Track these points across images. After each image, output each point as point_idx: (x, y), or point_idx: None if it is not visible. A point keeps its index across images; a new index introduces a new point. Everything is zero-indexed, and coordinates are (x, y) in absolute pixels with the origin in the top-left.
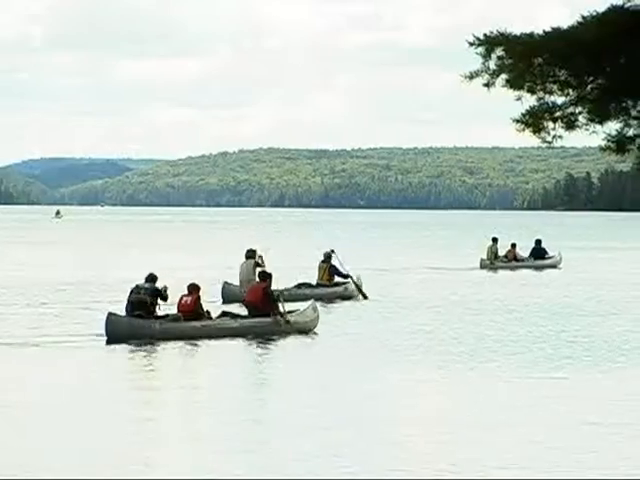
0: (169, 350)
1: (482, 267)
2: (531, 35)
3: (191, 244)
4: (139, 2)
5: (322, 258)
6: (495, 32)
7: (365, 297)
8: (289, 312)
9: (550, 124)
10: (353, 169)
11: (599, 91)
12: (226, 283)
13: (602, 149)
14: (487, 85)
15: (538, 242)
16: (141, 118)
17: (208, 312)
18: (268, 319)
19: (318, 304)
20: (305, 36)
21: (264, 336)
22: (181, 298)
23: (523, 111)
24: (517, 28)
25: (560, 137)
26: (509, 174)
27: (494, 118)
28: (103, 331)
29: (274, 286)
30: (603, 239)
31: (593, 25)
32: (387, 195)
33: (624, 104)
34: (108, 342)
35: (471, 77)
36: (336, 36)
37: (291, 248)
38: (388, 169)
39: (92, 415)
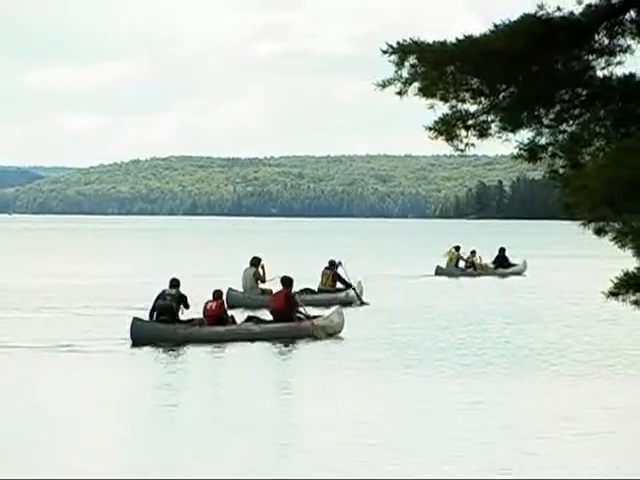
0: (193, 354)
1: (437, 274)
2: (444, 43)
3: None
4: (50, 9)
5: (327, 265)
6: (408, 40)
7: (363, 303)
8: (313, 317)
9: (463, 132)
10: (266, 177)
11: (511, 99)
12: (230, 289)
13: (514, 157)
14: (400, 93)
15: (502, 250)
16: (52, 126)
17: (232, 317)
18: (291, 324)
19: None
20: (218, 44)
21: (287, 340)
22: (206, 303)
23: (436, 119)
24: (430, 36)
25: (473, 145)
26: (421, 182)
27: (407, 126)
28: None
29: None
30: (527, 247)
31: (505, 33)
32: (300, 203)
33: (536, 112)
34: (133, 346)
35: (384, 85)
36: (249, 44)
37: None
38: (301, 177)
39: (113, 419)
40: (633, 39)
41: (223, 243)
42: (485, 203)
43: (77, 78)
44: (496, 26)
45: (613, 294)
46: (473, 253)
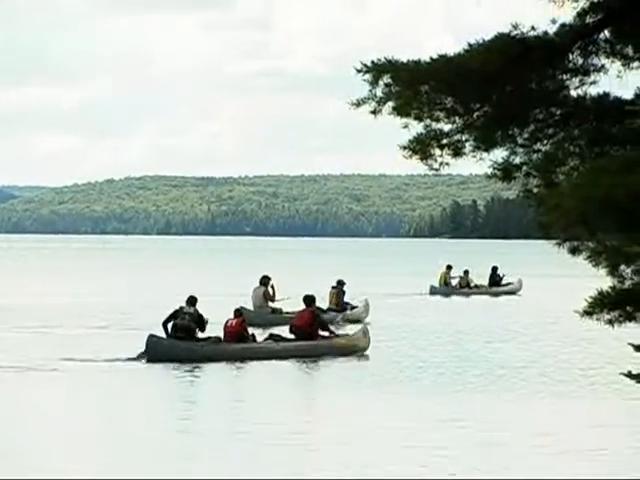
0: (211, 372)
1: (432, 293)
2: (418, 62)
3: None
4: (21, 31)
5: (334, 284)
6: (382, 59)
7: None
8: (338, 336)
9: (437, 151)
10: (240, 196)
11: (486, 119)
12: (243, 308)
13: (488, 176)
14: (374, 112)
15: (494, 269)
16: (26, 146)
17: (253, 335)
18: (312, 342)
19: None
20: (192, 62)
21: (308, 359)
22: (227, 321)
23: (410, 138)
24: (404, 56)
25: (447, 164)
26: (396, 201)
27: (381, 145)
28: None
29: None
30: (505, 266)
31: (480, 53)
32: (274, 222)
33: (510, 132)
34: (148, 362)
35: (358, 104)
36: (223, 63)
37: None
38: (275, 196)
39: (127, 438)
40: (607, 58)
41: (198, 262)
42: (459, 222)
43: (51, 98)
44: (470, 45)
45: (587, 313)
46: (466, 273)
